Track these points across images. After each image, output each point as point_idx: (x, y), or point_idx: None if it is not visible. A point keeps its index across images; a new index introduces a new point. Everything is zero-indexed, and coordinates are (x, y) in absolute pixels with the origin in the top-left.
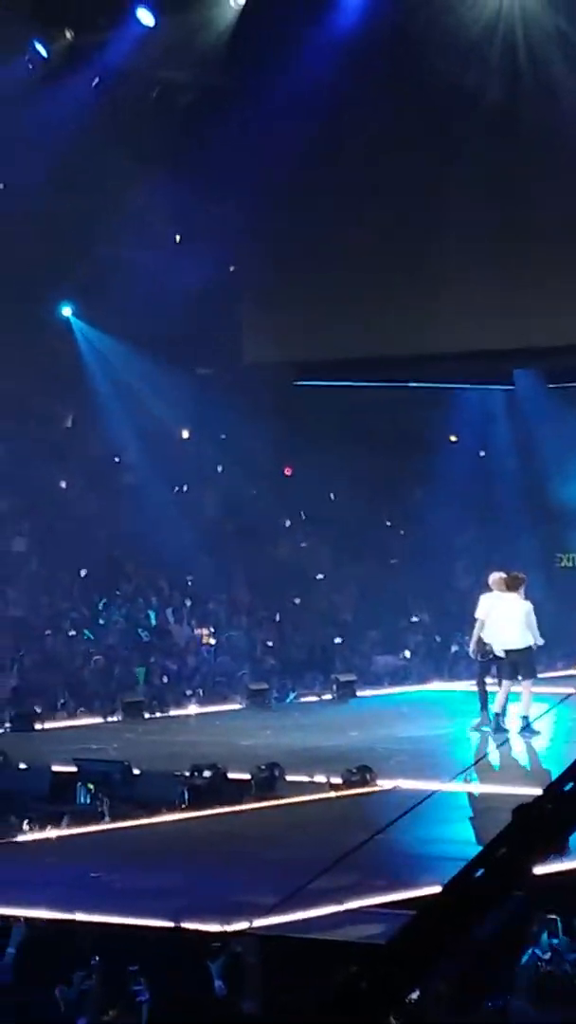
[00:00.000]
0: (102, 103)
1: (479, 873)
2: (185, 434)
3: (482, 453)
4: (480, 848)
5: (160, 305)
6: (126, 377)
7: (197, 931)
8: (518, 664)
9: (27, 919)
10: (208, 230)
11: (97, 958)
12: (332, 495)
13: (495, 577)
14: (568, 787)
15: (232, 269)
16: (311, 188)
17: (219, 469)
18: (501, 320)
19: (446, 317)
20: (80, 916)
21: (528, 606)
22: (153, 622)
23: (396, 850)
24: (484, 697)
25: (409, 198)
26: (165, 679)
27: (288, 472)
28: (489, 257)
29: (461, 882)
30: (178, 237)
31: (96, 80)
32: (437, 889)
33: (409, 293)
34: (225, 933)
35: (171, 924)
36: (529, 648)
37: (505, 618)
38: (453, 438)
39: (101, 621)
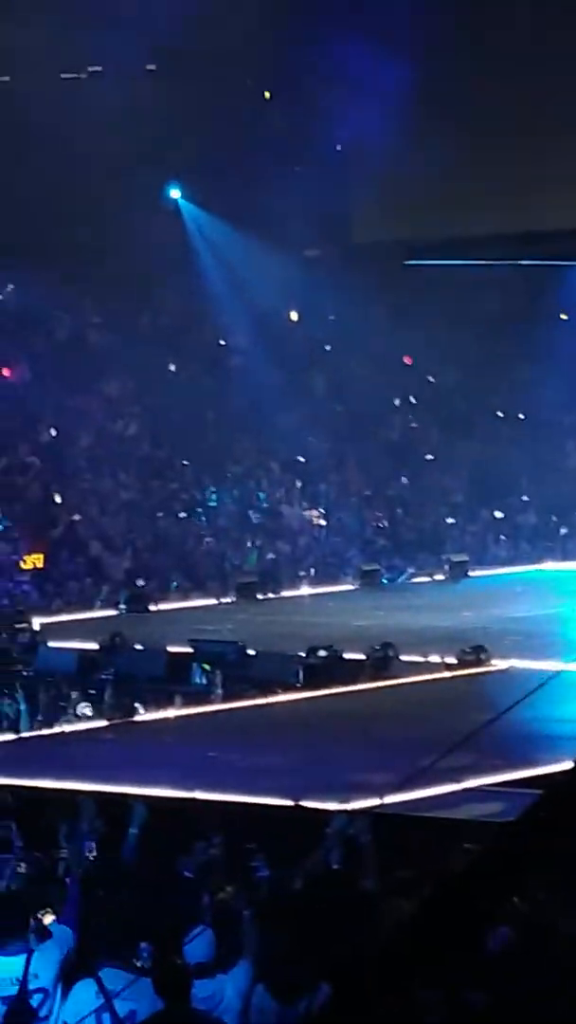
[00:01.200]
0: None
1: None
2: (294, 316)
3: None
4: None
5: (267, 186)
6: (234, 260)
7: (315, 809)
8: None
9: (147, 798)
10: (318, 108)
11: (216, 836)
12: (441, 375)
13: None
14: None
15: (339, 148)
16: (430, 67)
17: (327, 350)
18: None
19: (559, 194)
20: (200, 795)
21: None
22: (264, 503)
23: (514, 730)
24: None
25: (525, 78)
26: (276, 560)
27: (408, 361)
28: None
29: None
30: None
31: None
32: (564, 767)
33: (521, 170)
34: (343, 811)
35: (289, 802)
36: None
37: None
38: (564, 316)
39: (212, 503)
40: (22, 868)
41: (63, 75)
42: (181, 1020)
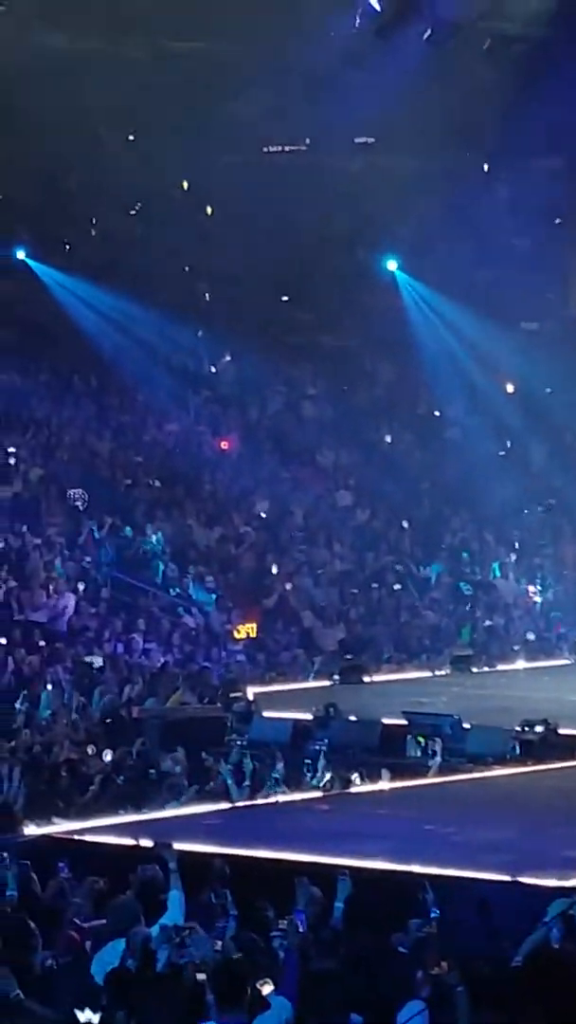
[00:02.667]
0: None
1: None
2: (510, 388)
3: None
4: None
5: (484, 259)
6: (450, 332)
7: (534, 886)
8: None
9: (362, 870)
10: (536, 178)
11: (437, 911)
12: None
13: None
14: None
15: (558, 221)
16: None
17: (543, 423)
18: None
19: None
20: (416, 868)
21: None
22: (478, 576)
23: None
24: None
25: None
26: (491, 634)
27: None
28: None
29: None
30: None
31: (428, 32)
32: None
33: None
34: (563, 888)
35: (508, 877)
36: None
37: None
38: None
39: (425, 575)
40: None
41: (278, 148)
42: None
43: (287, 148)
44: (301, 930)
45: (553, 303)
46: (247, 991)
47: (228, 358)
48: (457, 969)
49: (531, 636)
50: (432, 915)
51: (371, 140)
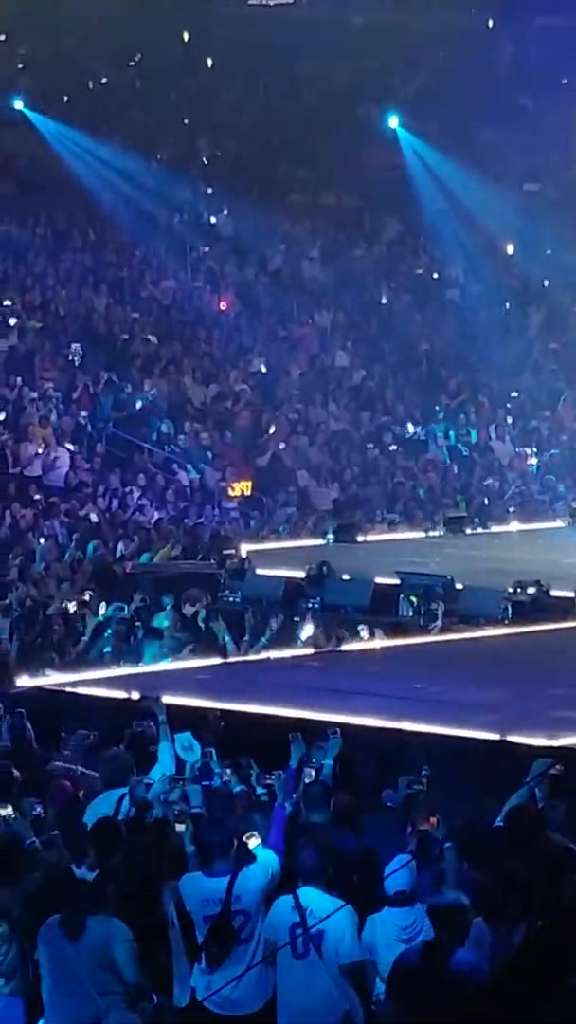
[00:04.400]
0: None
1: None
2: (510, 250)
3: None
4: None
5: (488, 118)
6: (451, 191)
7: (522, 745)
8: None
9: (352, 727)
10: (543, 38)
11: (427, 768)
12: None
13: None
14: None
15: (564, 82)
16: None
17: (545, 285)
18: None
19: None
20: (407, 725)
21: None
22: (474, 439)
23: None
24: None
25: None
26: (486, 496)
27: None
28: None
29: None
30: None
31: None
32: None
33: None
34: (550, 748)
35: (496, 736)
36: None
37: None
38: None
39: (422, 436)
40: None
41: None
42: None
43: (273, 3)
44: (291, 786)
45: (556, 164)
46: (232, 844)
47: (226, 213)
48: (445, 825)
49: (521, 498)
50: (423, 772)
51: None
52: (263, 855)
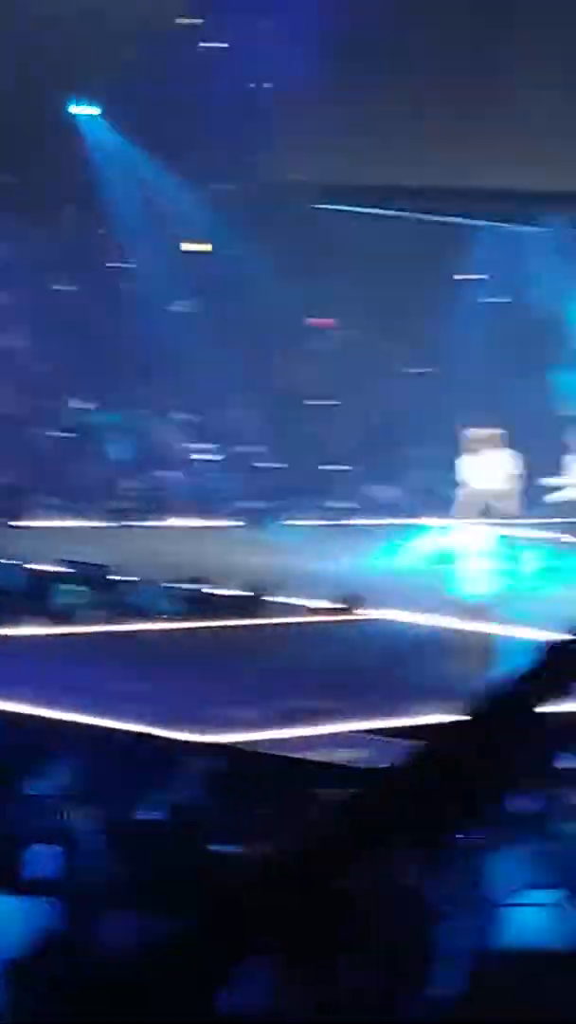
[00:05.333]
0: None
1: (501, 705)
2: (196, 247)
3: (495, 296)
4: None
5: (182, 115)
6: (143, 185)
7: (171, 740)
8: None
9: None
10: (243, 37)
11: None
12: (345, 323)
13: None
14: None
15: (267, 86)
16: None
17: (227, 285)
18: (534, 162)
19: (479, 153)
20: (51, 713)
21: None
22: (148, 430)
23: (391, 680)
24: None
25: (457, 31)
26: (157, 490)
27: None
28: (530, 96)
29: (484, 712)
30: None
31: None
32: (438, 720)
33: (443, 125)
34: (200, 744)
35: (146, 730)
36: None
37: None
38: (472, 276)
39: (94, 423)
40: None
41: None
42: None
43: None
44: None
45: (247, 166)
46: None
47: None
48: (93, 818)
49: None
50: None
51: None
52: None
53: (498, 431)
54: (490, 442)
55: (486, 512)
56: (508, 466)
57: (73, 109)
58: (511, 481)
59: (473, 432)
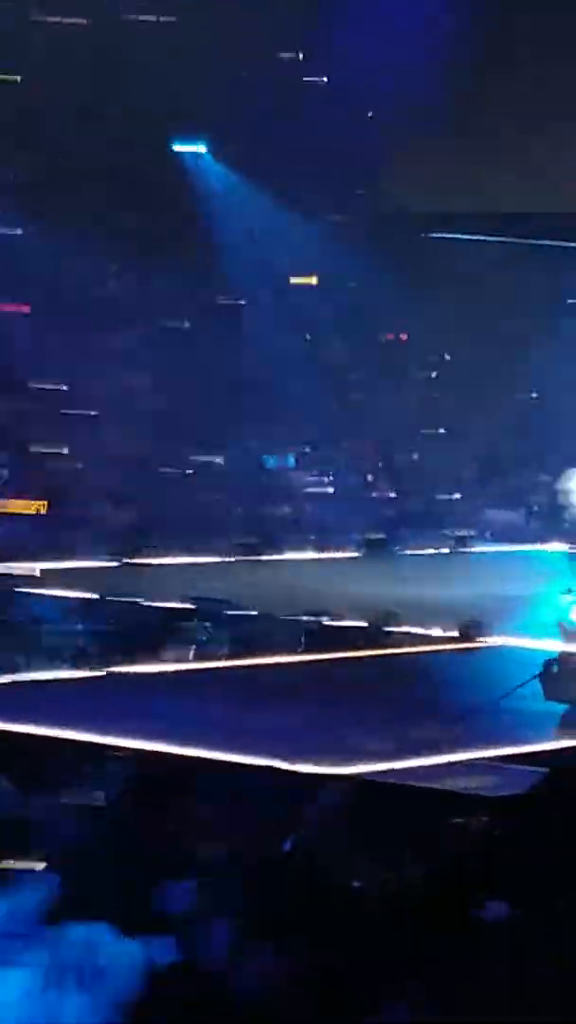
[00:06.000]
0: None
1: None
2: (313, 281)
3: None
4: None
5: (295, 148)
6: (254, 219)
7: (308, 774)
8: None
9: (135, 751)
10: (351, 70)
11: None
12: (459, 351)
13: None
14: None
15: (371, 115)
16: (465, 35)
17: (345, 318)
18: None
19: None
20: (191, 751)
21: None
22: (272, 465)
23: (509, 707)
24: None
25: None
26: (281, 523)
27: (403, 338)
28: None
29: None
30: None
31: None
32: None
33: (550, 151)
34: (336, 776)
35: (283, 765)
36: None
37: None
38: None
39: (219, 461)
40: None
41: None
42: None
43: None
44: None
45: (361, 197)
46: None
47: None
48: (230, 852)
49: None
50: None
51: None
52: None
53: None
54: None
55: None
56: None
57: (180, 148)
58: None
59: None
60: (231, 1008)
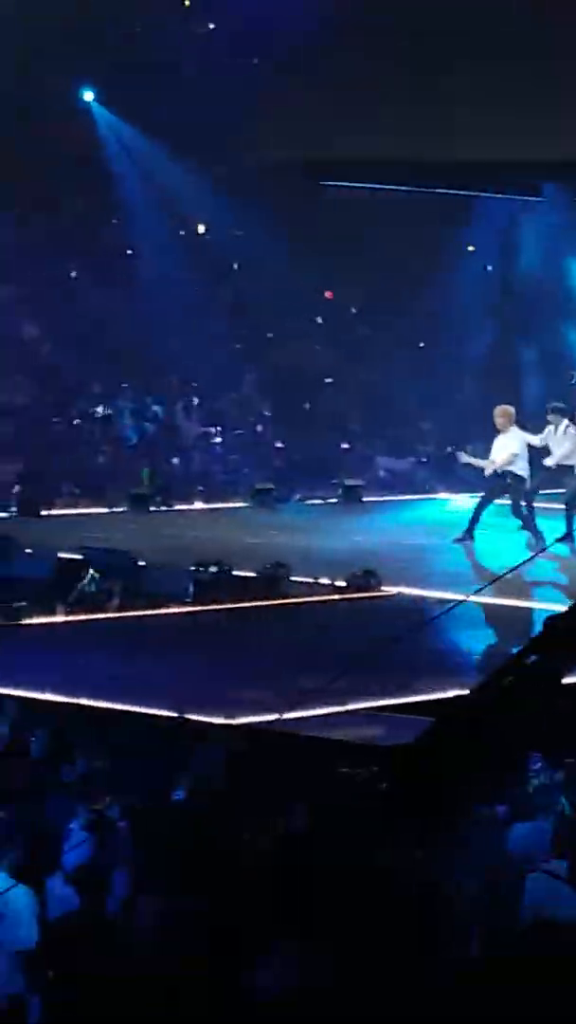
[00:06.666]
0: None
1: (509, 679)
2: (201, 229)
3: (492, 267)
4: (500, 658)
5: (183, 97)
6: (145, 169)
7: (199, 722)
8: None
9: (27, 701)
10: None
11: (99, 747)
12: (343, 301)
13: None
14: None
15: (256, 62)
16: None
17: (234, 267)
18: (532, 131)
19: (474, 123)
20: (82, 701)
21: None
22: (160, 417)
23: (404, 656)
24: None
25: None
26: (170, 474)
27: (329, 296)
28: (520, 67)
29: (492, 687)
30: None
31: None
32: (451, 694)
33: (435, 98)
34: (227, 726)
35: (174, 715)
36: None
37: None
38: (471, 248)
39: (108, 412)
40: None
41: None
42: None
43: None
44: None
45: (247, 147)
46: None
47: None
48: (119, 804)
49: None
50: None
51: None
52: None
53: (510, 407)
54: (506, 417)
55: (504, 486)
56: (519, 442)
57: (85, 96)
58: (522, 456)
59: (499, 409)
60: (123, 954)
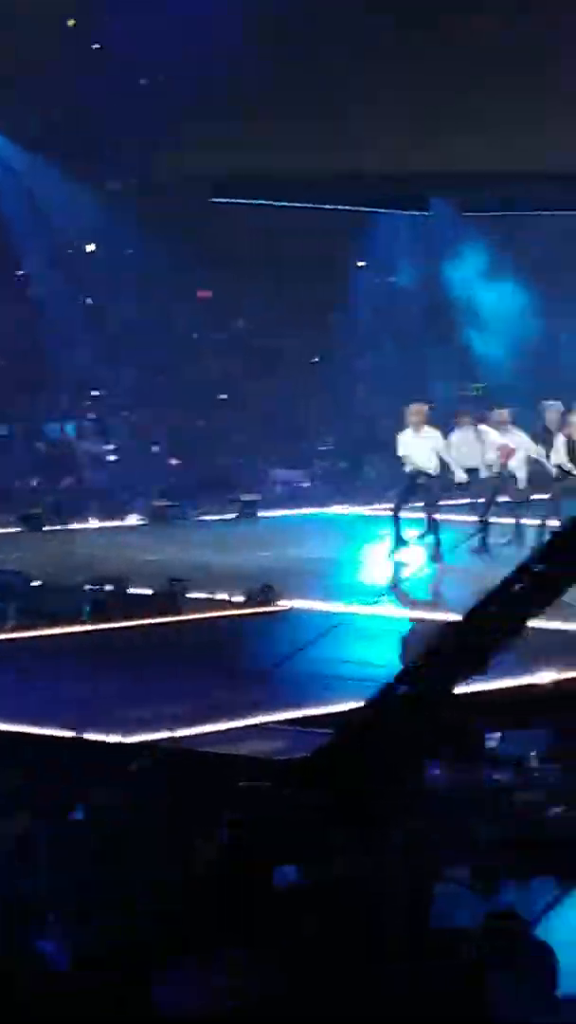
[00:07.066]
0: None
1: (402, 689)
2: (90, 248)
3: (392, 279)
4: (395, 669)
5: (70, 112)
6: (31, 187)
7: (97, 742)
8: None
9: None
10: (128, 36)
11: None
12: (239, 317)
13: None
14: (490, 609)
15: (143, 82)
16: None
17: (126, 284)
18: (419, 145)
19: (363, 138)
20: None
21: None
22: (56, 435)
23: (301, 669)
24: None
25: (330, 15)
26: (65, 493)
27: (205, 295)
28: (408, 80)
29: (385, 697)
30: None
31: None
32: (350, 707)
33: (325, 112)
34: (126, 745)
35: (71, 734)
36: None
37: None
38: (361, 263)
39: (3, 432)
40: None
41: None
42: None
43: None
44: None
45: (139, 163)
46: None
47: None
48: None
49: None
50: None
51: None
52: None
53: (424, 406)
54: (419, 416)
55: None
56: (435, 444)
57: None
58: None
59: (413, 407)
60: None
